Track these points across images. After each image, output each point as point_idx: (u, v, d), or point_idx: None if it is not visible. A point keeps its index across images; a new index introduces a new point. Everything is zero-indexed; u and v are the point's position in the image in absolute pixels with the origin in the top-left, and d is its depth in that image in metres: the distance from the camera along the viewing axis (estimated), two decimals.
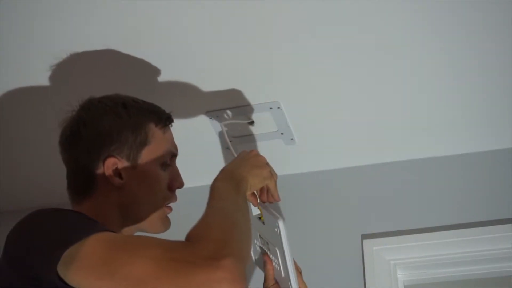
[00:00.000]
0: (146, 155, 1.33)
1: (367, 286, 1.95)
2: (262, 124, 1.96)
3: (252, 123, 1.96)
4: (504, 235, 1.93)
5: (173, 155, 1.39)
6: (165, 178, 1.35)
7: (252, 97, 1.87)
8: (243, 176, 1.28)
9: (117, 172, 1.30)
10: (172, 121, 1.41)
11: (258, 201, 1.37)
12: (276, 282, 1.39)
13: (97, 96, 1.40)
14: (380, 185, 2.12)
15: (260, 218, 1.37)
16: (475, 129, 2.00)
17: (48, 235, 1.10)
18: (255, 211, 1.39)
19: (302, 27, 1.62)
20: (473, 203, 2.02)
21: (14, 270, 1.11)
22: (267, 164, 1.36)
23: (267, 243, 1.37)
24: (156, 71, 1.77)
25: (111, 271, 1.02)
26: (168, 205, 1.37)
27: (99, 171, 1.30)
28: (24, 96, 1.84)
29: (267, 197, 1.36)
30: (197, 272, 0.99)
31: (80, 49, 1.69)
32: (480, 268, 2.01)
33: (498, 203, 1.99)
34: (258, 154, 1.37)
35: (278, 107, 1.89)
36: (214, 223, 1.11)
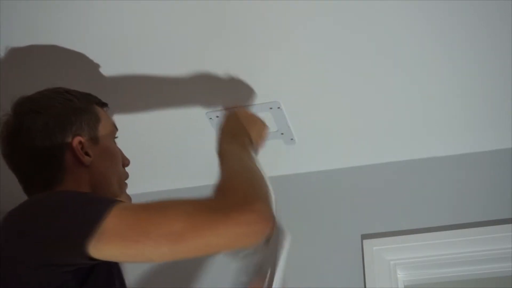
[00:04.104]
0: (102, 131, 1.37)
1: (367, 286, 1.95)
2: None
3: None
4: (504, 235, 1.93)
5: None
6: (120, 153, 1.41)
7: (252, 97, 1.87)
8: (245, 133, 1.41)
9: (84, 151, 1.32)
10: (106, 105, 1.45)
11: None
12: None
13: None
14: (380, 185, 2.12)
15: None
16: (475, 129, 2.00)
17: (65, 221, 1.10)
18: None
19: (302, 27, 1.62)
20: (473, 203, 2.02)
21: (23, 263, 1.10)
22: (256, 116, 1.51)
23: (260, 267, 1.34)
24: (155, 71, 1.77)
25: (146, 231, 1.06)
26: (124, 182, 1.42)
27: (66, 153, 1.31)
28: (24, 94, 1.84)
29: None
30: (234, 216, 1.07)
31: (82, 48, 1.69)
32: (480, 268, 2.01)
33: (498, 203, 1.99)
34: (245, 110, 1.50)
35: (278, 107, 1.88)
36: (235, 174, 1.20)
